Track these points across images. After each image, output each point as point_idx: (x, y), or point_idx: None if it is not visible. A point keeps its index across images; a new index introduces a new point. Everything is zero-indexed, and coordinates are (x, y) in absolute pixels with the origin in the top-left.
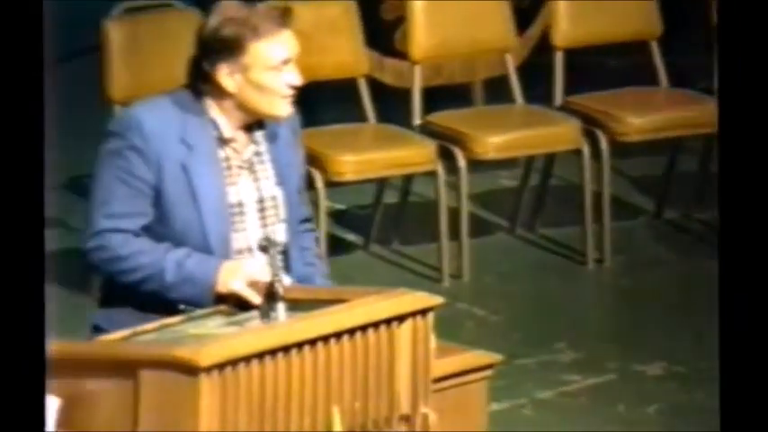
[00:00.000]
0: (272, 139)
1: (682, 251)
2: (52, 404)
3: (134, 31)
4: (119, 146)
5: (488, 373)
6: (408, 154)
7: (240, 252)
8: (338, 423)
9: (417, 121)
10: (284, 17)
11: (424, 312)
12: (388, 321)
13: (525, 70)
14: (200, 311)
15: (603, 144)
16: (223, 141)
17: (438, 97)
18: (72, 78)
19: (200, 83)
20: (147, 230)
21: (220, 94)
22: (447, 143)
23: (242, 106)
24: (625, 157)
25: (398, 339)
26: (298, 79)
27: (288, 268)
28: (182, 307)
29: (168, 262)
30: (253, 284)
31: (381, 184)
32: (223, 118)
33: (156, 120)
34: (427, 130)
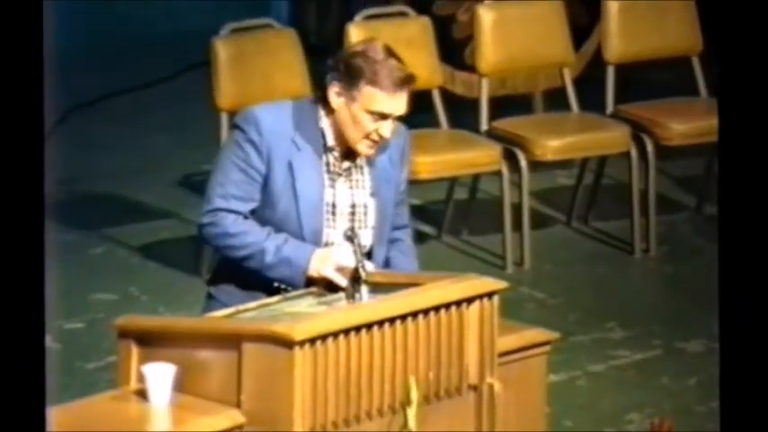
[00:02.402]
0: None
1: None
2: (170, 370)
3: (239, 48)
4: (239, 138)
5: (547, 348)
6: (476, 156)
7: (327, 244)
8: (414, 391)
9: (484, 126)
10: (404, 82)
11: (490, 295)
12: (458, 303)
13: (581, 82)
14: (294, 293)
15: (650, 147)
16: (327, 149)
17: (503, 106)
18: (186, 89)
19: (320, 90)
20: (253, 213)
21: (328, 106)
22: (511, 146)
23: (336, 125)
24: (669, 159)
25: (467, 319)
26: (387, 134)
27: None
28: (276, 285)
29: (269, 244)
30: (340, 270)
31: (452, 182)
32: (329, 128)
33: (273, 119)
34: (493, 135)
